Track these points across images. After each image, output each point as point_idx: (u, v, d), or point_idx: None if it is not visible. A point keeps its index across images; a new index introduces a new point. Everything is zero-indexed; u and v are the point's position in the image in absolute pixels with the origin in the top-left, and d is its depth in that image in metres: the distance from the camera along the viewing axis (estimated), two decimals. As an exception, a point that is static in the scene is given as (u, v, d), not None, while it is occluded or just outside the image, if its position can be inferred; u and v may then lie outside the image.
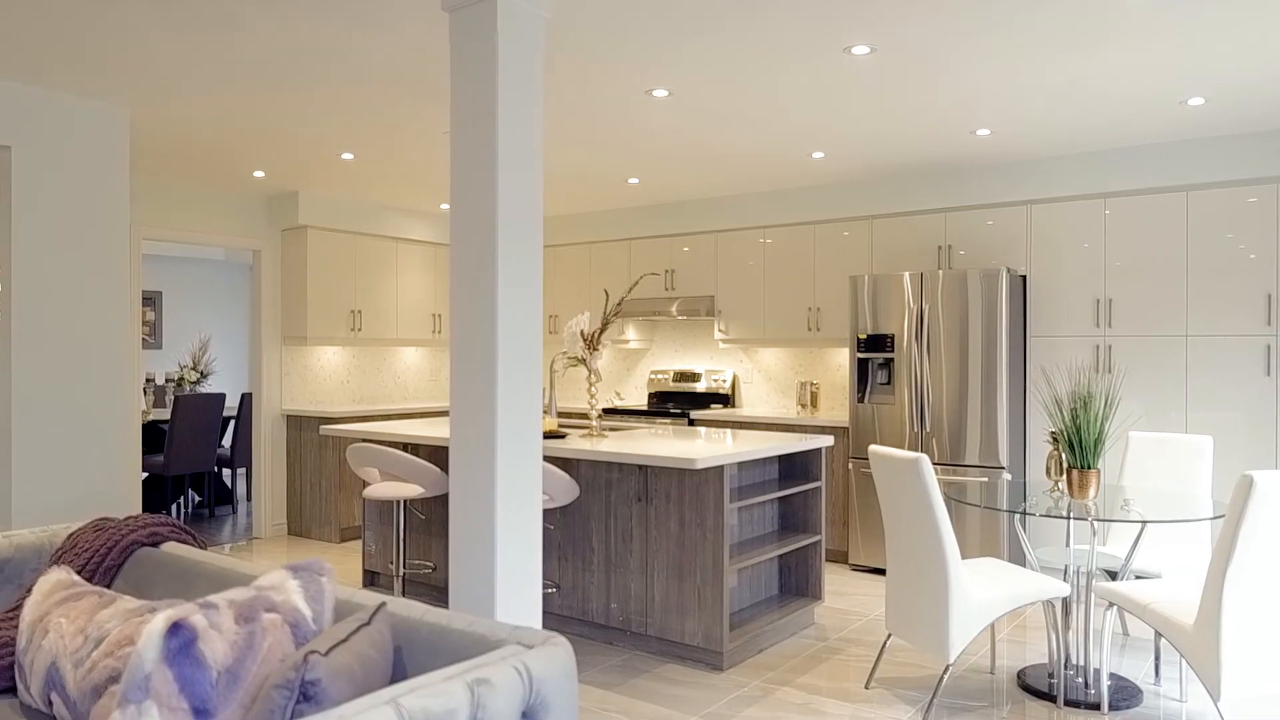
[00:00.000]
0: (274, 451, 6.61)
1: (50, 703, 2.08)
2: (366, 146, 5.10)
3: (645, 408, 6.70)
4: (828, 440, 4.44)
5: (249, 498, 8.10)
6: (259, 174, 5.86)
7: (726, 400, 6.70)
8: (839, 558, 5.70)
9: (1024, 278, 5.36)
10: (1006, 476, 5.05)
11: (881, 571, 5.47)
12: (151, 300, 9.27)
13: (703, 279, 6.67)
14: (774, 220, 6.31)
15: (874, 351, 5.48)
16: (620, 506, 4.10)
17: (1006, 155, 5.24)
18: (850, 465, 5.57)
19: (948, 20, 3.19)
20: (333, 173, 5.83)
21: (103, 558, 2.54)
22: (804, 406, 6.21)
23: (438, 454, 4.83)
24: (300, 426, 6.55)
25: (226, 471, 8.84)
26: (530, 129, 2.75)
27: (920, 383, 5.30)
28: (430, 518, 4.89)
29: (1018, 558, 5.13)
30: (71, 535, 2.69)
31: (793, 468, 4.54)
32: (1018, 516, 3.81)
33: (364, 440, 5.11)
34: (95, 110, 4.24)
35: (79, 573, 2.52)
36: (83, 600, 2.17)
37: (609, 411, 6.72)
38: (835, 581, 5.25)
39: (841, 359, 6.30)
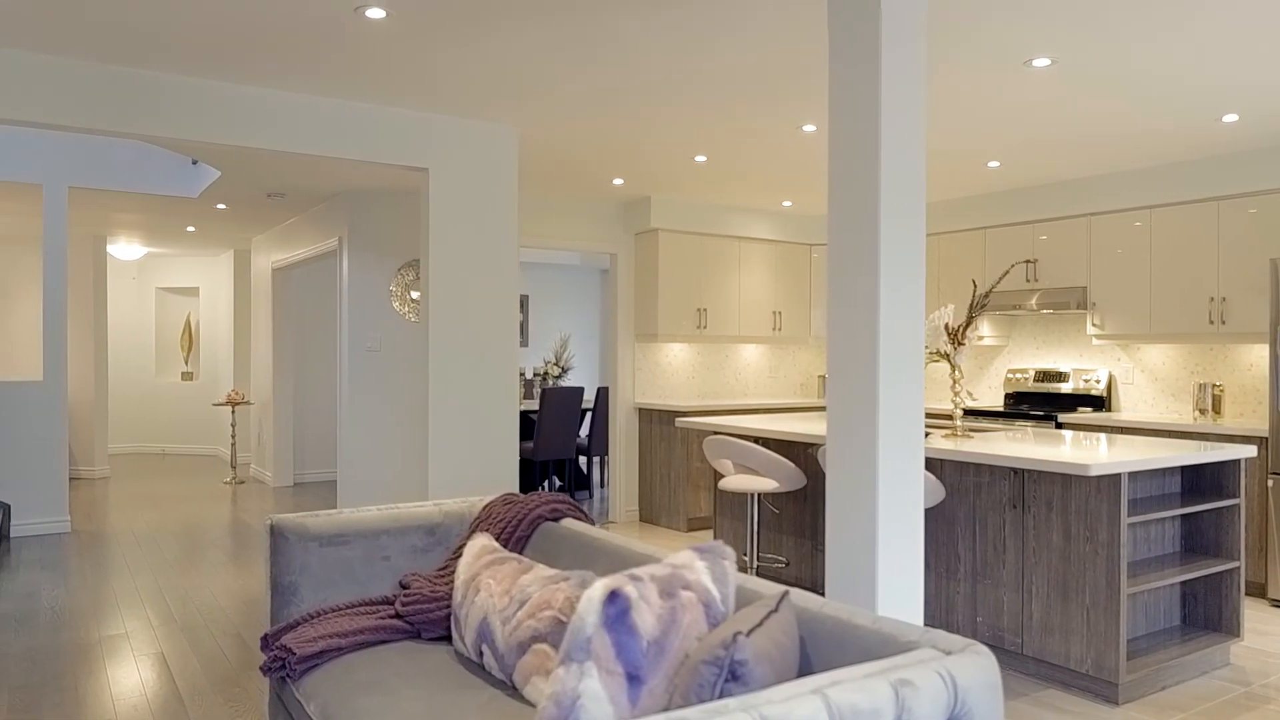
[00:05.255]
0: (627, 442, 7.04)
1: (481, 654, 2.33)
2: (718, 148, 5.24)
3: (1001, 409, 6.20)
4: (1248, 450, 3.78)
5: (603, 485, 8.73)
6: (618, 181, 6.27)
7: (1100, 403, 6.00)
8: (1255, 590, 4.85)
9: None
10: None
11: (1313, 611, 4.56)
12: (521, 303, 10.37)
13: (1071, 268, 6.03)
14: (1163, 199, 5.53)
15: (1303, 348, 4.59)
16: (990, 513, 3.81)
17: None
18: (1270, 482, 4.70)
19: None
20: (683, 176, 6.08)
21: (514, 528, 2.82)
22: (1203, 412, 5.37)
23: (789, 449, 4.82)
24: (651, 419, 6.91)
25: (583, 459, 9.61)
26: (914, 110, 2.61)
27: (1372, 386, 4.34)
28: (783, 513, 4.90)
29: None
30: (486, 506, 3.03)
31: (1199, 481, 3.92)
32: None
33: (721, 433, 5.25)
34: (493, 132, 4.78)
35: (496, 539, 2.82)
36: (506, 565, 2.41)
37: (964, 412, 6.30)
38: (1252, 618, 4.47)
39: (1255, 357, 5.36)
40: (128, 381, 10.95)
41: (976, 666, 1.58)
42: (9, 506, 6.24)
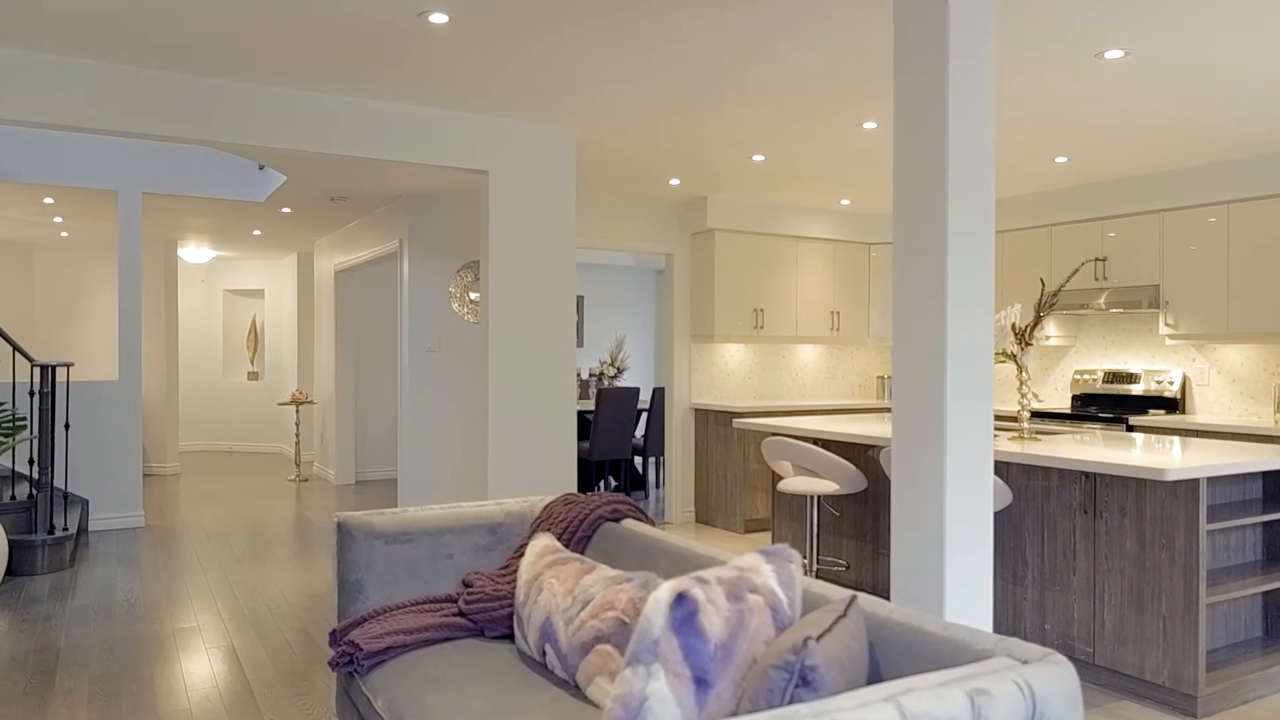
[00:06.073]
0: (683, 443, 7.03)
1: (544, 653, 2.34)
2: (776, 147, 5.20)
3: (1068, 411, 6.04)
4: (1336, 456, 3.62)
5: (658, 485, 8.73)
6: (674, 182, 6.26)
7: (1173, 405, 5.80)
8: (1339, 601, 4.63)
9: None
10: None
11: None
12: (577, 303, 10.42)
13: (1142, 266, 5.84)
14: (1241, 193, 5.32)
15: (1395, 348, 4.37)
16: (1059, 518, 3.70)
17: None
18: (1358, 488, 4.50)
19: None
20: (740, 176, 6.04)
21: (576, 528, 2.83)
22: (1285, 415, 5.16)
23: (849, 451, 4.76)
24: (708, 420, 6.88)
25: (639, 460, 9.62)
26: (983, 110, 2.55)
27: None
28: (843, 515, 4.83)
29: None
30: (547, 506, 3.04)
31: (1283, 487, 3.77)
32: None
33: (779, 434, 5.21)
34: (551, 134, 4.81)
35: (557, 539, 2.83)
36: (568, 565, 2.42)
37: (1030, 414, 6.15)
38: (1338, 630, 4.27)
39: (1339, 358, 5.13)
40: (197, 381, 11.28)
41: (1055, 677, 1.53)
42: (87, 501, 6.48)
